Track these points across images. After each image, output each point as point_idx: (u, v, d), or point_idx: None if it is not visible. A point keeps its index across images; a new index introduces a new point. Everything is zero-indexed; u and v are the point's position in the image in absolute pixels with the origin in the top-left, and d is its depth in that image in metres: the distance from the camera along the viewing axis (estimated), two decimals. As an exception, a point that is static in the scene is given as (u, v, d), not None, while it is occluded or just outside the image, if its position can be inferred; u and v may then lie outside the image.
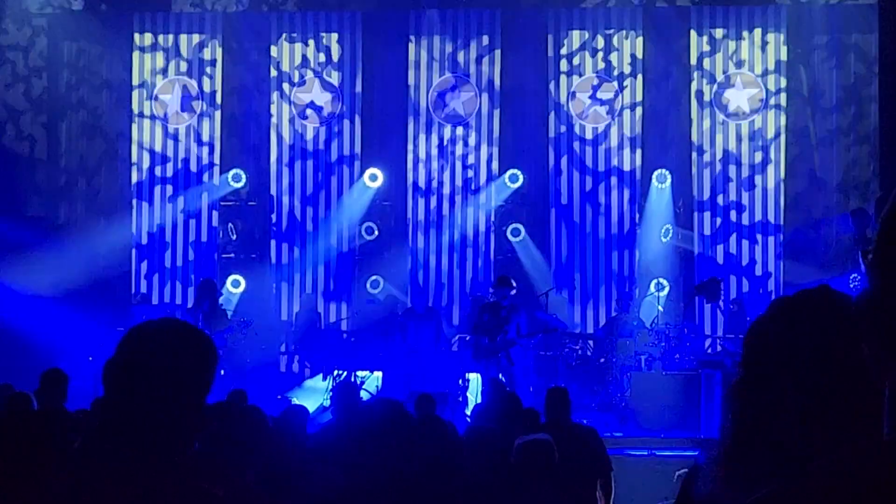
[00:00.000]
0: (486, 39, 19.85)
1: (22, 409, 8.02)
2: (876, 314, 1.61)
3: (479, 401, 15.58)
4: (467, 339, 17.51)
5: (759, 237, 19.30)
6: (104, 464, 2.80)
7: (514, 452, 7.37)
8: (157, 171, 20.17)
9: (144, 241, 20.08)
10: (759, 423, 2.15)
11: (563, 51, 19.69)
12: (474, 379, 16.28)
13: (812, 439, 2.06)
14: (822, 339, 2.16)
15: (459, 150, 19.85)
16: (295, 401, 15.58)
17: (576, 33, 19.68)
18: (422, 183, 19.86)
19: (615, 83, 19.60)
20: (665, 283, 18.53)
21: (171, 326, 3.06)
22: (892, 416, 1.57)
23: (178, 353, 2.93)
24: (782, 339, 2.21)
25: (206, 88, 20.19)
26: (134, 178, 20.19)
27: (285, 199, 20.03)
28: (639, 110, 19.55)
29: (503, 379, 15.15)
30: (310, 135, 20.06)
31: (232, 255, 19.82)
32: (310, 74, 20.07)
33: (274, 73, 20.10)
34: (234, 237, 19.71)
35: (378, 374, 16.68)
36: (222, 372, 15.22)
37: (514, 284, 16.17)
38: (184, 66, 20.18)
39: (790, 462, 2.02)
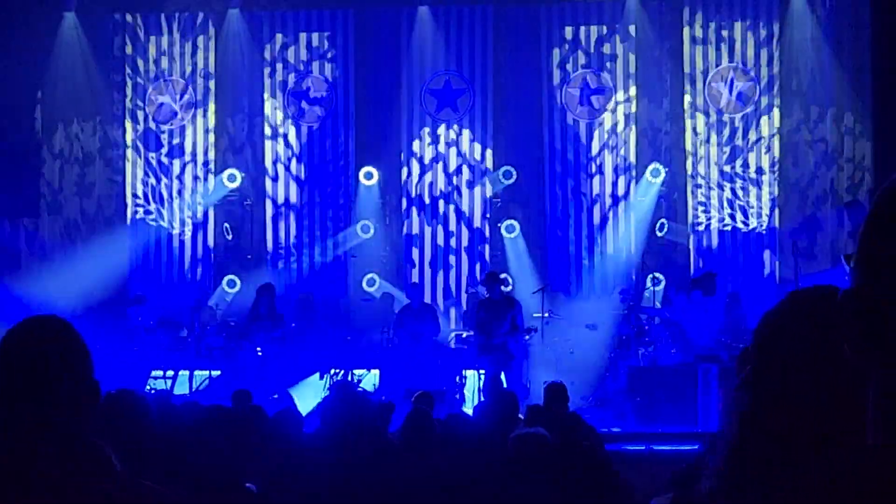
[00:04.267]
0: (479, 36, 19.85)
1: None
2: (857, 314, 1.61)
3: (476, 397, 15.62)
4: (464, 336, 17.52)
5: (753, 231, 19.31)
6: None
7: (510, 445, 7.38)
8: (152, 171, 20.15)
9: (140, 241, 20.06)
10: (767, 417, 2.10)
11: (557, 47, 19.69)
12: (472, 376, 16.29)
13: (822, 436, 2.01)
14: (832, 341, 2.10)
15: (453, 147, 19.85)
16: (295, 399, 15.64)
17: (569, 29, 19.68)
18: (416, 180, 19.87)
19: (609, 78, 19.61)
20: (661, 277, 18.56)
21: (28, 325, 3.13)
22: (874, 420, 1.57)
23: (36, 349, 3.02)
24: (799, 334, 2.17)
25: (200, 88, 20.18)
26: (128, 179, 20.17)
27: (280, 199, 20.03)
28: (633, 105, 19.55)
29: (503, 375, 15.21)
30: (304, 134, 20.06)
31: (227, 254, 19.81)
32: (302, 73, 20.07)
33: (267, 72, 20.09)
34: (230, 237, 19.70)
35: (375, 371, 16.69)
36: (275, 395, 15.35)
37: (504, 278, 16.24)
38: (177, 66, 20.17)
39: (798, 457, 1.99)
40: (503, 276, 17.65)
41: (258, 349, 16.87)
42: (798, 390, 2.09)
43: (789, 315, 2.23)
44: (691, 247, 19.31)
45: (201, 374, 16.83)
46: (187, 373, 16.76)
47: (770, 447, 2.06)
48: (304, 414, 15.07)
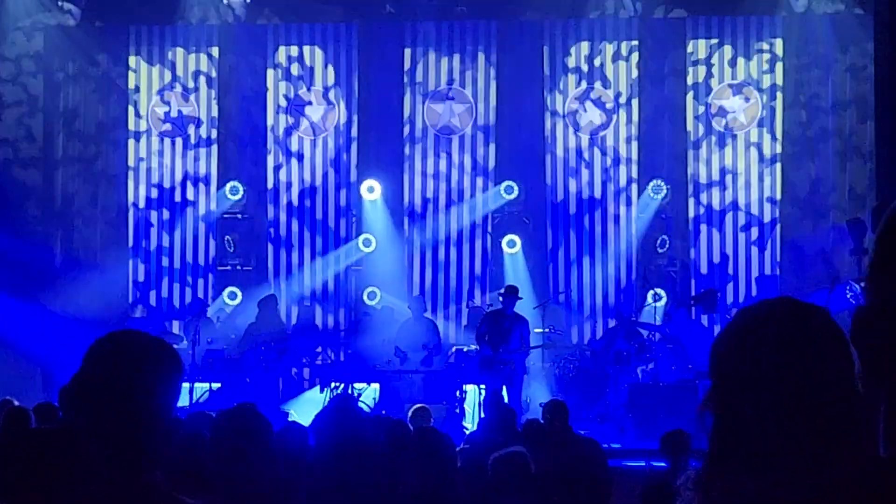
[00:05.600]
0: (482, 51, 19.88)
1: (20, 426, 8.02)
2: (872, 329, 1.62)
3: (476, 412, 15.61)
4: (465, 350, 17.49)
5: (755, 248, 19.32)
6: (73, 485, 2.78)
7: (490, 467, 7.37)
8: (154, 183, 20.17)
9: (141, 253, 20.08)
10: (729, 436, 2.12)
11: (559, 62, 19.71)
12: (472, 390, 16.27)
13: (784, 453, 2.03)
14: (784, 353, 2.14)
15: (455, 161, 19.86)
16: (293, 414, 15.62)
17: (572, 45, 19.70)
18: (418, 194, 19.89)
19: (612, 94, 19.63)
20: (662, 293, 18.56)
21: (130, 339, 2.98)
22: (888, 431, 1.57)
23: (137, 368, 2.85)
24: (745, 353, 2.19)
25: (203, 101, 20.20)
26: (131, 191, 20.19)
27: (282, 212, 20.04)
28: (635, 121, 19.57)
29: (505, 390, 15.20)
30: (306, 146, 20.07)
31: (228, 267, 19.81)
32: (305, 87, 20.09)
33: (270, 85, 20.12)
34: (232, 250, 19.70)
35: (375, 386, 16.67)
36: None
37: (522, 297, 16.37)
38: (180, 79, 20.19)
39: (765, 476, 2.00)
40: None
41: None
42: (756, 405, 2.11)
43: (736, 335, 2.25)
44: (692, 263, 19.30)
45: (201, 387, 16.81)
46: (187, 385, 16.74)
47: (736, 465, 2.08)
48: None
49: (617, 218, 19.48)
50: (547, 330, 17.40)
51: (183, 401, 16.36)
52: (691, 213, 19.41)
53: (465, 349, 17.43)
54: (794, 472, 1.93)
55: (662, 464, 10.27)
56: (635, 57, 19.56)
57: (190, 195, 20.17)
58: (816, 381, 1.94)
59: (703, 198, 19.42)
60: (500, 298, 16.56)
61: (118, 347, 2.91)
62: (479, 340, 16.26)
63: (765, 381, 2.10)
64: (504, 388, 15.40)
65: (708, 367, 2.26)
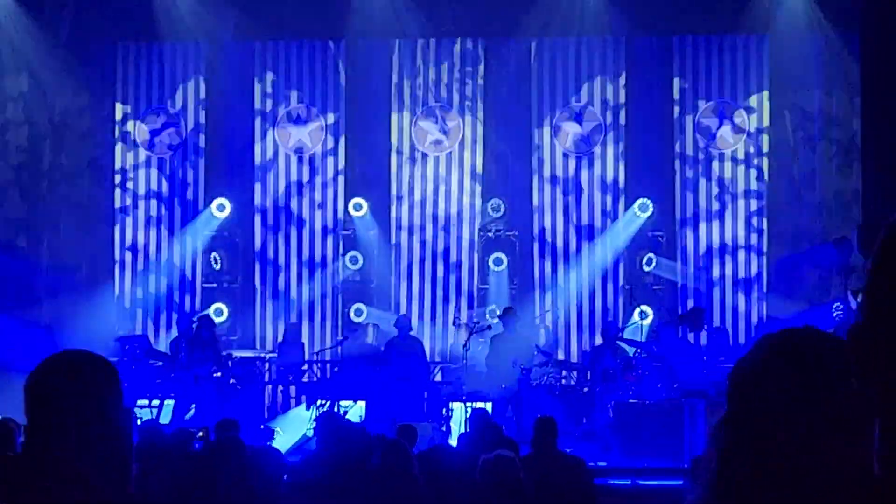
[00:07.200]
0: (469, 69, 19.90)
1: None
2: (865, 348, 1.62)
3: (462, 430, 15.58)
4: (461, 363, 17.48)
5: (741, 266, 19.36)
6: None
7: (479, 469, 7.37)
8: (141, 199, 20.13)
9: (128, 269, 20.03)
10: (744, 461, 2.13)
11: (547, 81, 19.74)
12: (458, 408, 16.27)
13: (799, 479, 2.04)
14: (806, 383, 2.14)
15: (442, 178, 19.87)
16: (279, 432, 15.60)
17: (559, 63, 19.73)
18: (405, 212, 19.89)
19: (599, 113, 19.67)
20: (649, 311, 18.58)
21: (66, 358, 3.09)
22: (882, 452, 1.57)
23: (75, 382, 2.96)
24: (768, 381, 2.20)
25: (190, 118, 20.18)
26: (117, 206, 20.14)
27: (269, 228, 20.02)
28: (622, 140, 19.61)
29: (511, 412, 15.36)
30: (294, 163, 20.06)
31: (215, 284, 19.78)
32: (294, 104, 20.09)
33: (258, 102, 20.11)
34: (218, 266, 19.67)
35: (361, 403, 16.63)
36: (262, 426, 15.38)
37: (519, 316, 16.62)
38: (167, 96, 20.17)
39: (775, 491, 2.01)
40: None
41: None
42: (775, 430, 2.12)
43: (760, 363, 2.26)
44: (679, 281, 19.33)
45: (170, 404, 16.77)
46: (172, 402, 16.68)
47: (748, 490, 2.09)
48: (289, 445, 15.10)
49: (604, 236, 19.51)
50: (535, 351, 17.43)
51: (167, 418, 16.32)
52: (677, 231, 19.43)
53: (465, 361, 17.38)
54: (799, 493, 1.93)
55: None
56: (622, 76, 19.61)
57: (177, 211, 20.13)
58: (834, 414, 1.95)
59: (690, 216, 19.45)
60: (498, 320, 16.85)
61: (57, 371, 3.01)
62: (487, 362, 16.59)
63: (787, 407, 2.11)
64: (489, 405, 15.48)
65: (727, 390, 2.28)
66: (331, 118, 20.05)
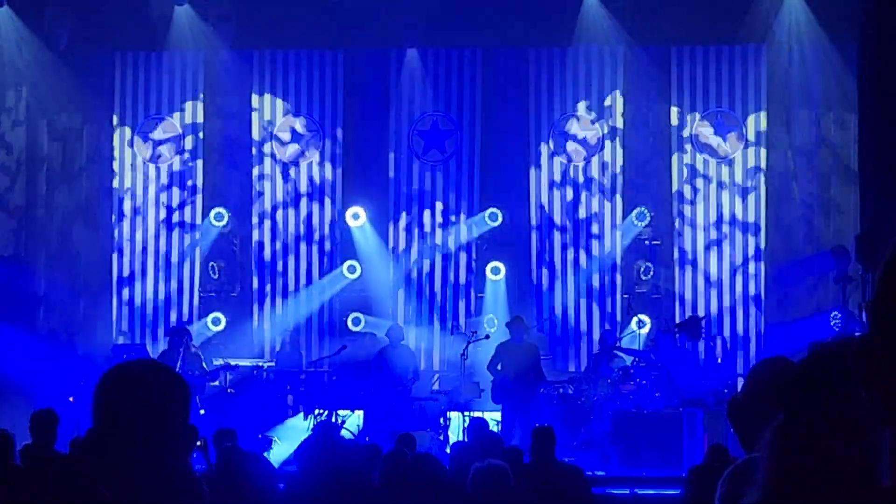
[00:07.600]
0: (467, 78, 19.92)
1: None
2: (872, 359, 1.62)
3: (460, 439, 15.58)
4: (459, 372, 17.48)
5: (739, 275, 19.35)
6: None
7: (470, 479, 7.37)
8: (139, 209, 20.12)
9: (125, 279, 20.02)
10: (804, 470, 2.09)
11: (544, 90, 19.74)
12: (455, 418, 16.28)
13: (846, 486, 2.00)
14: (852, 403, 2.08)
15: (440, 187, 19.88)
16: (277, 441, 15.58)
17: (556, 72, 19.74)
18: (403, 220, 19.89)
19: (596, 122, 19.68)
20: (646, 320, 18.59)
21: (144, 366, 3.18)
22: (893, 462, 1.57)
23: (153, 389, 3.01)
24: (830, 391, 2.13)
25: (188, 128, 20.16)
26: (115, 217, 20.14)
27: (266, 238, 20.02)
28: (619, 149, 19.62)
29: (517, 423, 15.36)
30: (291, 172, 20.07)
31: (213, 293, 19.78)
32: (291, 114, 20.10)
33: (256, 111, 20.12)
34: (216, 276, 19.67)
35: (359, 412, 16.62)
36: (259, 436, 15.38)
37: (528, 326, 16.67)
38: (165, 105, 20.17)
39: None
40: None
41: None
42: (831, 444, 2.09)
43: (816, 371, 2.20)
44: (677, 290, 19.33)
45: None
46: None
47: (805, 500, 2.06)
48: (285, 456, 15.08)
49: (601, 245, 19.51)
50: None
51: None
52: (675, 240, 19.44)
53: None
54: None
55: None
56: (620, 85, 19.62)
57: (175, 221, 20.12)
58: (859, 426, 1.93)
59: (688, 225, 19.45)
60: (505, 328, 16.98)
61: (134, 379, 3.06)
62: (492, 370, 16.47)
63: (839, 421, 2.08)
64: (484, 414, 15.50)
65: (788, 398, 2.24)
66: (329, 128, 20.06)
